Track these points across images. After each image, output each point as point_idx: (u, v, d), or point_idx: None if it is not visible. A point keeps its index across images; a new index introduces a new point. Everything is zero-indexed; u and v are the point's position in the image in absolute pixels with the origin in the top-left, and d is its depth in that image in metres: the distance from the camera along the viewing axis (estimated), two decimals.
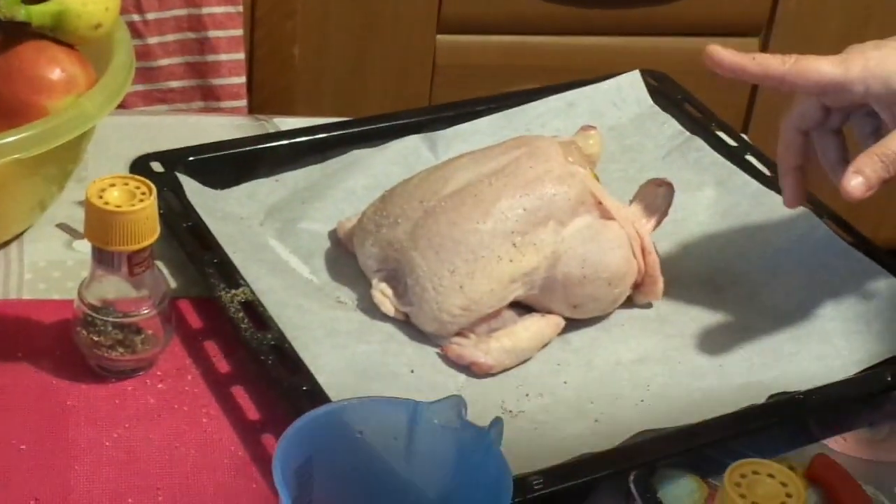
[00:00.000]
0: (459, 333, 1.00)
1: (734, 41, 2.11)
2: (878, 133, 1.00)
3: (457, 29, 2.04)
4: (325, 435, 0.75)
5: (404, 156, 1.16)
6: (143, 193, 0.91)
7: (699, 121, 1.24)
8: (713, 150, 1.20)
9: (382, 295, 1.01)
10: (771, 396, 0.96)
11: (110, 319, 0.94)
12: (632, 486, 0.83)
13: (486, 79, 1.96)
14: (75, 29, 1.04)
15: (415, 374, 0.97)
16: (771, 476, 0.75)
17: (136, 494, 0.87)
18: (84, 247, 1.01)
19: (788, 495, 0.74)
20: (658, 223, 1.09)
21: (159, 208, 0.93)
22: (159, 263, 1.01)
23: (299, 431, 0.74)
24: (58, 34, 1.05)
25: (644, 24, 2.06)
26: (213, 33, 1.48)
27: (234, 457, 0.91)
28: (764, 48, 2.12)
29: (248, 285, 1.00)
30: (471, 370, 0.98)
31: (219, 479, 0.89)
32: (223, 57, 1.49)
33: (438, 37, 2.03)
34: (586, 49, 2.05)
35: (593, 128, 1.14)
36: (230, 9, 1.49)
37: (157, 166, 1.11)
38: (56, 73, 1.03)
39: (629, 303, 1.05)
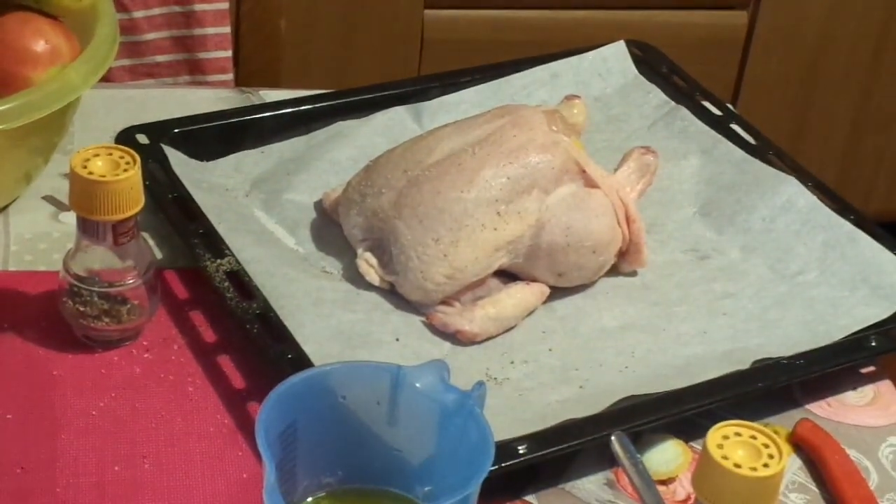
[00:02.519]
0: (444, 302, 1.00)
1: (722, 14, 2.11)
2: None
3: (444, 3, 2.04)
4: (308, 400, 0.76)
5: (389, 127, 1.16)
6: (128, 163, 0.91)
7: (684, 90, 1.24)
8: (698, 120, 1.20)
9: (367, 264, 1.02)
10: (755, 362, 0.96)
11: (96, 289, 0.94)
12: (613, 444, 0.83)
13: (475, 53, 1.95)
14: (59, 1, 1.04)
15: (400, 343, 0.97)
16: (753, 437, 0.75)
17: (123, 462, 0.88)
18: (70, 219, 1.01)
19: (770, 456, 0.74)
20: (643, 191, 1.10)
21: (144, 179, 0.93)
22: (145, 234, 1.01)
23: (282, 396, 0.74)
24: (42, 6, 1.05)
25: None
26: (198, 7, 1.48)
27: (220, 425, 0.91)
28: (752, 22, 2.12)
29: (233, 255, 1.00)
30: (456, 338, 0.98)
31: (205, 446, 0.90)
32: (209, 31, 1.49)
33: (426, 11, 2.03)
34: (574, 23, 2.05)
35: (577, 97, 1.14)
36: None
37: (142, 138, 1.11)
38: (40, 45, 1.03)
39: (614, 271, 1.06)
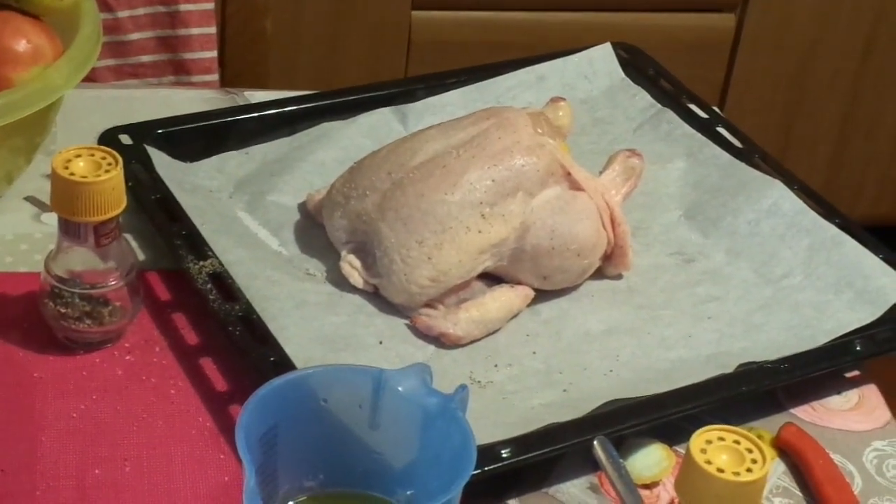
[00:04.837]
0: (428, 304, 1.00)
1: (709, 17, 2.11)
2: None
3: (432, 5, 2.03)
4: (289, 403, 0.75)
5: (374, 128, 1.16)
6: (110, 164, 0.91)
7: (670, 93, 1.24)
8: (684, 123, 1.20)
9: (351, 267, 1.01)
10: (740, 366, 0.96)
11: (77, 291, 0.94)
12: (595, 448, 0.83)
13: (462, 54, 1.95)
14: (41, 0, 1.04)
15: (384, 346, 0.97)
16: (736, 442, 0.75)
17: (104, 465, 0.87)
18: (52, 220, 1.01)
19: (754, 461, 0.74)
20: (628, 194, 1.09)
21: (127, 181, 0.93)
22: (128, 236, 1.01)
23: (263, 399, 0.74)
24: (23, 5, 1.04)
25: (619, 0, 2.06)
26: (184, 7, 1.47)
27: (203, 427, 0.91)
28: (739, 25, 2.12)
29: (216, 257, 0.99)
30: (440, 341, 0.98)
31: (186, 449, 0.89)
32: (194, 31, 1.49)
33: (413, 13, 2.03)
34: (561, 24, 2.04)
35: (563, 99, 1.14)
36: None
37: (125, 139, 1.10)
38: (22, 45, 1.03)
39: (599, 274, 1.05)
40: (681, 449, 0.93)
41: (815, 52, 2.17)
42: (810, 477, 0.91)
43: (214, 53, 1.50)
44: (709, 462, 0.73)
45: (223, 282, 0.98)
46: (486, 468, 0.85)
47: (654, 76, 1.26)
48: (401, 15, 2.02)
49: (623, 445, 0.92)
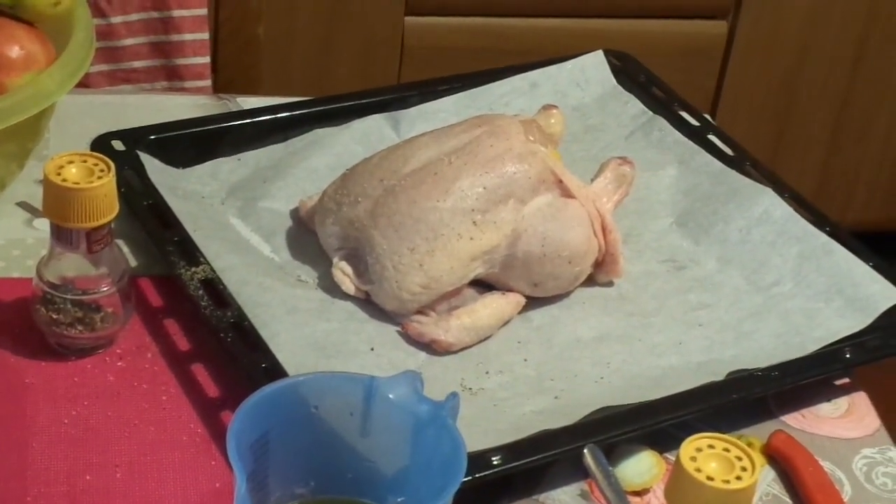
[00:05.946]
0: (420, 311, 1.00)
1: (701, 24, 2.12)
2: None
3: (425, 11, 2.03)
4: (280, 410, 0.75)
5: (367, 135, 1.16)
6: (102, 170, 0.91)
7: (662, 101, 1.24)
8: (676, 130, 1.20)
9: (343, 273, 1.01)
10: (730, 374, 0.96)
11: (69, 297, 0.94)
12: (585, 456, 0.83)
13: (455, 61, 1.95)
14: (34, 6, 1.04)
15: (375, 352, 0.97)
16: (726, 450, 0.75)
17: (94, 471, 0.87)
18: (44, 225, 1.01)
19: (743, 469, 0.74)
20: (619, 201, 1.10)
21: (119, 186, 0.93)
22: (120, 242, 1.01)
23: (254, 406, 0.74)
24: (17, 11, 1.04)
25: (612, 6, 2.07)
26: (177, 13, 1.47)
27: (194, 434, 0.91)
28: (731, 31, 2.13)
29: (208, 263, 0.99)
30: (431, 348, 0.98)
31: (178, 456, 0.89)
32: (187, 37, 1.49)
33: (406, 18, 2.03)
34: (554, 31, 2.05)
35: (555, 107, 1.14)
36: None
37: (118, 145, 1.10)
38: (15, 51, 1.03)
39: (590, 281, 1.06)
40: (671, 456, 0.93)
41: (807, 58, 2.17)
42: (800, 484, 0.91)
43: (207, 59, 1.50)
44: (698, 470, 0.74)
45: (215, 288, 0.98)
46: (476, 475, 0.85)
47: (646, 83, 1.27)
48: (394, 21, 2.03)
49: (614, 452, 0.92)
